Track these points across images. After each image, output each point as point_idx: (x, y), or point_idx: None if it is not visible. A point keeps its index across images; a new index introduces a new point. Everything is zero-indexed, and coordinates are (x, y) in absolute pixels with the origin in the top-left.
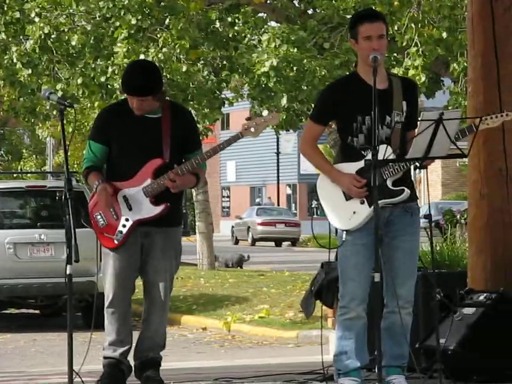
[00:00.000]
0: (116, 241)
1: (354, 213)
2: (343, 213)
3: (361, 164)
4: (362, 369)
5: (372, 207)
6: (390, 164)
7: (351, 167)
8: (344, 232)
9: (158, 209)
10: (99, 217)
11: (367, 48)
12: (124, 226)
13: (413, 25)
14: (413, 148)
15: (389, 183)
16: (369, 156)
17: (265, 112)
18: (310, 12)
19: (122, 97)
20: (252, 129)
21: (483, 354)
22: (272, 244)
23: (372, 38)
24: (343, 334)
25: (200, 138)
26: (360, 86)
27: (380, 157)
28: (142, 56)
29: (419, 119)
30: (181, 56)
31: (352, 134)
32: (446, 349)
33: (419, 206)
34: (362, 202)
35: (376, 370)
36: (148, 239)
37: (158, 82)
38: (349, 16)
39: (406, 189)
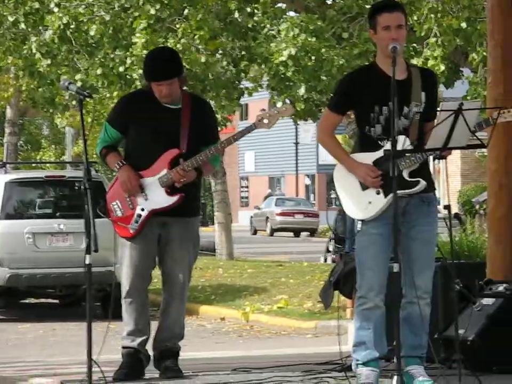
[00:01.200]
0: (131, 231)
1: (369, 203)
2: (359, 202)
3: (378, 154)
4: (380, 359)
5: (388, 197)
6: (407, 154)
7: (368, 157)
8: (360, 222)
9: (173, 199)
10: (116, 206)
11: (386, 38)
12: (139, 216)
13: (432, 15)
14: (432, 138)
15: (405, 174)
16: (386, 146)
17: (279, 104)
18: (329, 1)
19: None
20: (266, 121)
21: (502, 345)
22: (291, 234)
23: (390, 28)
24: (362, 324)
25: (219, 129)
26: (378, 76)
27: (398, 147)
28: None
29: (438, 109)
30: (200, 47)
31: (370, 124)
32: (465, 339)
33: (436, 196)
34: (378, 193)
35: (395, 360)
36: (165, 229)
37: (180, 63)
38: (368, 6)
39: (421, 180)
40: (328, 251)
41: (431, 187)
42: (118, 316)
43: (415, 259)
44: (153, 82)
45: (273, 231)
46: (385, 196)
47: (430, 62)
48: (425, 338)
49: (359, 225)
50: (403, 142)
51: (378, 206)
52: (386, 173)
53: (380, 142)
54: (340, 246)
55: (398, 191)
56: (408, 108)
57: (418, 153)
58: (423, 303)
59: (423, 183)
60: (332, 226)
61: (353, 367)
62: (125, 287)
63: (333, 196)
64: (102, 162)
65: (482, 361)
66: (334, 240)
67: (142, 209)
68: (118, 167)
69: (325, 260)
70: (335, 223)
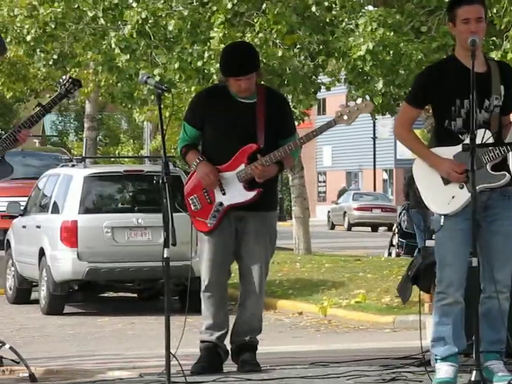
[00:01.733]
0: (209, 225)
1: (453, 197)
2: (442, 197)
3: (458, 148)
4: (460, 354)
5: (471, 191)
6: (490, 148)
7: (448, 151)
8: (442, 216)
9: (251, 194)
10: (193, 200)
11: (465, 31)
12: (217, 210)
13: None
14: None
15: (488, 167)
16: (467, 140)
17: (359, 100)
18: None
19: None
20: (345, 117)
21: None
22: (368, 229)
23: (470, 20)
24: (441, 319)
25: (296, 123)
26: (458, 69)
27: (478, 141)
28: None
29: None
30: (277, 41)
31: (450, 117)
32: None
33: None
34: (461, 187)
35: (474, 355)
36: (241, 224)
37: (258, 58)
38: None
39: (507, 173)
40: (392, 245)
41: (511, 181)
42: (195, 310)
43: (495, 253)
44: (232, 78)
45: (350, 225)
46: (469, 190)
47: (510, 55)
48: (504, 333)
49: (441, 220)
50: (483, 135)
51: (462, 200)
52: (469, 167)
53: (460, 136)
54: (403, 240)
55: (484, 185)
56: (488, 101)
57: (499, 147)
58: (503, 297)
59: (508, 176)
60: (397, 221)
61: (432, 362)
62: (204, 281)
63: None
64: (183, 161)
65: None
66: (398, 235)
67: (220, 204)
68: (195, 163)
69: (389, 254)
70: (399, 218)
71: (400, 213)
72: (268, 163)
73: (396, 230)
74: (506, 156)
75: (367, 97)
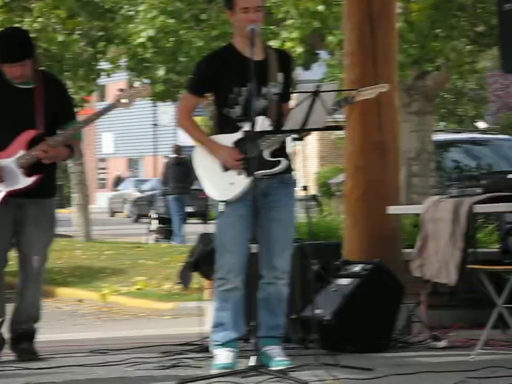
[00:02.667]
0: None
1: (231, 184)
2: (221, 183)
3: (238, 135)
4: (239, 340)
5: (250, 178)
6: (267, 135)
7: (227, 139)
8: (222, 203)
9: (30, 180)
10: None
11: (244, 20)
12: None
13: None
14: (289, 119)
15: (265, 154)
16: (246, 127)
17: (137, 84)
18: None
19: None
20: (124, 100)
21: (358, 325)
22: None
23: (249, 9)
24: (221, 305)
25: (76, 110)
26: (236, 57)
27: (257, 128)
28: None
29: (296, 91)
30: (57, 26)
31: (229, 105)
32: (322, 319)
33: (295, 178)
34: (239, 174)
35: (252, 340)
36: (21, 211)
37: (32, 44)
38: None
39: (283, 160)
40: (150, 231)
41: (290, 168)
42: None
43: (274, 240)
44: (5, 64)
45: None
46: (247, 176)
47: (288, 44)
48: (283, 319)
49: (220, 207)
50: (262, 123)
51: (240, 186)
52: (247, 154)
53: (239, 124)
54: (162, 226)
55: (261, 171)
56: (266, 89)
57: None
58: (282, 283)
59: (284, 162)
60: (153, 207)
61: (211, 348)
62: None
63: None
64: None
65: (338, 341)
66: (158, 220)
67: None
68: None
69: (147, 241)
70: (156, 204)
71: (157, 200)
72: (55, 143)
73: (153, 216)
74: (285, 142)
75: (146, 81)
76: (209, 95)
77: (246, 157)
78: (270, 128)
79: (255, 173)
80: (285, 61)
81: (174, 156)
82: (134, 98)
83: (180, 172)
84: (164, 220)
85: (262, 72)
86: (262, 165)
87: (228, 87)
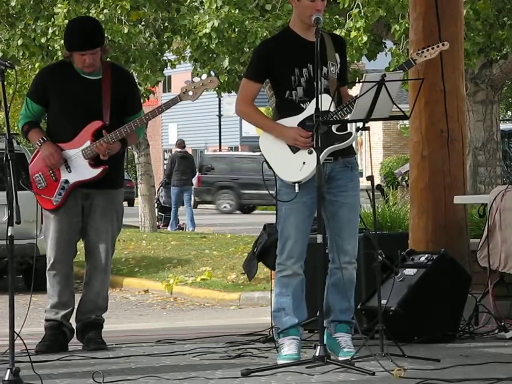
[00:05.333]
0: (54, 203)
1: (304, 163)
2: (293, 165)
3: (302, 116)
4: (300, 325)
5: (321, 154)
6: (333, 111)
7: (292, 121)
8: (297, 184)
9: (97, 171)
10: (38, 178)
11: (310, 8)
12: (63, 188)
13: None
14: (355, 109)
15: (334, 129)
16: (308, 107)
17: (204, 76)
18: None
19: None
20: (190, 93)
21: (424, 315)
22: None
23: None
24: (281, 291)
25: (141, 100)
26: (294, 40)
27: (322, 107)
28: None
29: (362, 80)
30: (122, 18)
31: (291, 87)
32: (388, 310)
33: (357, 161)
34: (310, 152)
35: (319, 330)
36: (88, 201)
37: (102, 33)
38: None
39: (352, 131)
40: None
41: (352, 151)
42: (40, 289)
43: (343, 224)
44: (76, 52)
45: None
46: (319, 152)
47: (353, 34)
48: (353, 302)
49: (296, 188)
50: (326, 101)
51: (313, 165)
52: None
53: (302, 105)
54: (162, 214)
55: (333, 146)
56: (326, 68)
57: (343, 109)
58: (352, 267)
59: (355, 133)
60: (156, 196)
61: (274, 337)
62: (49, 260)
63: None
64: (24, 138)
65: (404, 331)
66: (157, 209)
67: (66, 181)
68: (39, 143)
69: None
70: (158, 193)
71: (159, 189)
72: (113, 140)
73: (156, 205)
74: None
75: (212, 73)
76: (269, 81)
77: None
78: (333, 107)
79: (326, 149)
80: (340, 44)
81: (178, 149)
82: (201, 91)
83: (185, 165)
84: (164, 209)
85: (320, 52)
86: (333, 139)
87: (289, 69)
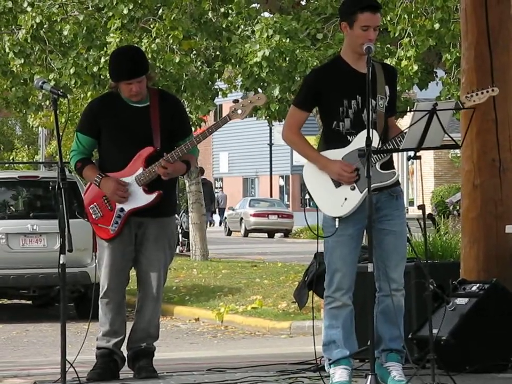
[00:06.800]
0: (111, 232)
1: (345, 199)
2: (335, 200)
3: (347, 149)
4: (351, 357)
5: (364, 191)
6: (378, 147)
7: (338, 153)
8: (337, 219)
9: (151, 197)
10: (94, 209)
11: (362, 37)
12: (119, 216)
13: (405, 16)
14: (406, 138)
15: (377, 166)
16: (355, 140)
17: (251, 93)
18: (303, 2)
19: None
20: (239, 111)
21: (476, 345)
22: (265, 235)
23: (369, 28)
24: (331, 323)
25: (193, 128)
26: (345, 70)
27: (367, 141)
28: None
29: (413, 109)
30: (174, 47)
31: (338, 118)
32: (439, 339)
33: (402, 189)
34: (353, 188)
35: (369, 360)
36: (141, 229)
37: (146, 60)
38: None
39: (395, 171)
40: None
41: (397, 182)
42: (93, 317)
43: (389, 253)
44: (123, 82)
45: (247, 232)
46: (361, 191)
47: (404, 63)
48: (402, 329)
49: (336, 223)
50: (374, 137)
51: (354, 201)
52: (358, 168)
53: (348, 137)
54: (185, 239)
55: (375, 184)
56: (375, 101)
57: (390, 150)
58: (400, 294)
59: (397, 174)
60: (178, 221)
61: (326, 367)
62: (102, 288)
63: (307, 197)
64: (79, 175)
65: (456, 361)
66: (181, 234)
67: (121, 210)
68: (98, 180)
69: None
70: (180, 218)
71: (181, 215)
72: (173, 159)
73: (180, 231)
74: (392, 155)
75: (259, 90)
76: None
77: (357, 170)
78: (379, 141)
79: (371, 185)
80: (391, 74)
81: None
82: (249, 108)
83: (204, 192)
84: (186, 234)
85: (370, 84)
86: (376, 177)
87: (338, 99)
